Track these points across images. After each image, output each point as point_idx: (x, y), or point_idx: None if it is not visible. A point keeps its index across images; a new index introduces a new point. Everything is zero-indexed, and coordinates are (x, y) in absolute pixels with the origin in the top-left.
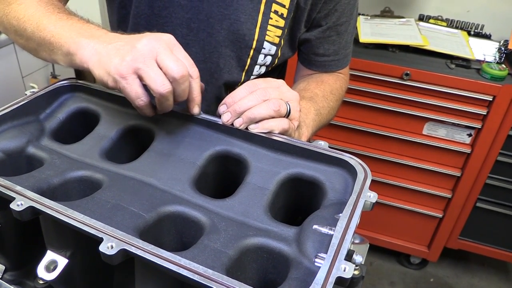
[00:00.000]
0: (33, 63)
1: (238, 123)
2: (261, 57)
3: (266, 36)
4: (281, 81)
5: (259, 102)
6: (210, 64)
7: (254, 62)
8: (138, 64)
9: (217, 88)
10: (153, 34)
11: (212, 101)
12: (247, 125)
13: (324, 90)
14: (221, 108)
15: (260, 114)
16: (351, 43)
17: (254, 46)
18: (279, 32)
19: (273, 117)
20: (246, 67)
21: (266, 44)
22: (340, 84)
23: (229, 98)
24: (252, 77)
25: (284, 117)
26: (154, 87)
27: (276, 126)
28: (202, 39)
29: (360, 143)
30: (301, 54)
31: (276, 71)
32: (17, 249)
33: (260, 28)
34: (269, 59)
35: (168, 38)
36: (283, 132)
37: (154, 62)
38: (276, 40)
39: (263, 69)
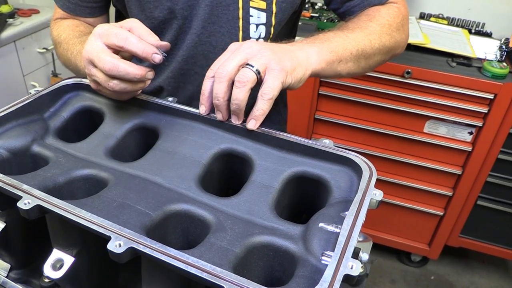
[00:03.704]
0: (34, 62)
1: (238, 122)
2: (252, 28)
3: (251, 2)
4: (229, 46)
5: (224, 82)
6: (202, 46)
7: (247, 35)
8: (87, 70)
9: None
10: (99, 33)
11: None
12: (242, 116)
13: (359, 19)
14: (201, 109)
15: (240, 98)
16: None
17: (240, 15)
18: None
19: (250, 87)
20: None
21: (252, 11)
22: (385, 11)
23: (203, 96)
24: None
25: (257, 77)
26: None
27: (261, 109)
28: (192, 23)
29: (361, 141)
30: (338, 11)
31: None
32: (22, 248)
33: None
34: (262, 29)
35: (104, 32)
36: (271, 103)
37: (93, 67)
38: (263, 5)
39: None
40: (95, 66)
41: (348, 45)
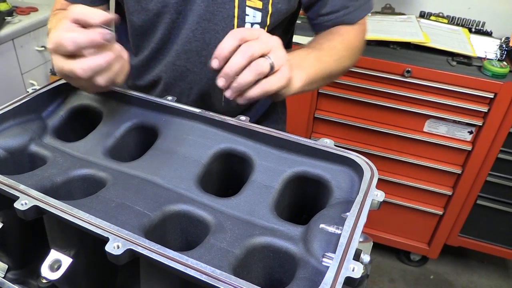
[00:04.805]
0: (32, 60)
1: (229, 95)
2: (247, 26)
3: (247, 1)
4: (260, 30)
5: (247, 60)
6: (196, 42)
7: None
8: (65, 78)
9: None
10: (52, 49)
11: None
12: (236, 95)
13: (333, 39)
14: (214, 63)
15: (246, 81)
16: None
17: (236, 13)
18: None
19: (259, 78)
20: None
21: (248, 10)
22: (354, 34)
23: (220, 52)
24: None
25: (267, 73)
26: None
27: (258, 91)
28: (187, 19)
29: (360, 140)
30: (311, 22)
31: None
32: (20, 248)
33: None
34: (257, 28)
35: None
36: (261, 94)
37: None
38: (259, 4)
39: None
40: (63, 69)
41: (322, 69)
